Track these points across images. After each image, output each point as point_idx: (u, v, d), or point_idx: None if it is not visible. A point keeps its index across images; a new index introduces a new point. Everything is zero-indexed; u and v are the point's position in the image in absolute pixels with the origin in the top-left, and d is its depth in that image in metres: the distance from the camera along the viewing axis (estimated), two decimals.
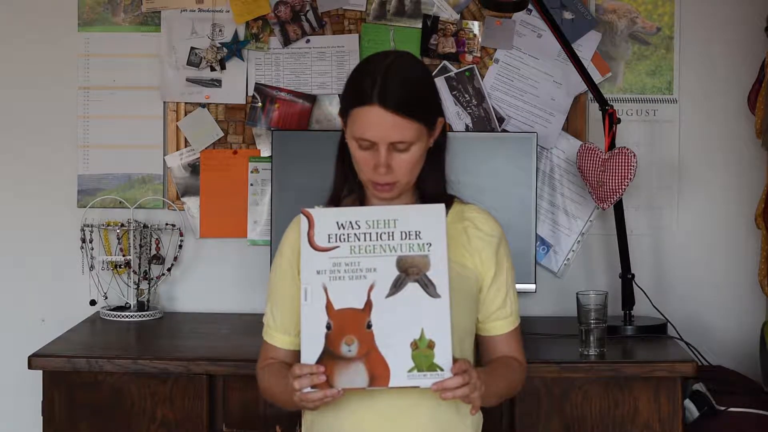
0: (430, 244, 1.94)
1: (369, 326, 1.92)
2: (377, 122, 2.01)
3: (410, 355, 1.90)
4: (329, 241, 1.96)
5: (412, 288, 1.93)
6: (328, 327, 1.93)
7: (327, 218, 1.98)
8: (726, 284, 3.30)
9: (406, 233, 1.95)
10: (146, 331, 3.05)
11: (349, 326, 1.92)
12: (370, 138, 2.02)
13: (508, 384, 2.12)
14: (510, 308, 2.15)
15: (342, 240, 1.96)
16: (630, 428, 2.68)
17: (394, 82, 2.02)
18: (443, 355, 1.90)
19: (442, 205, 1.98)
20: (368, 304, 1.93)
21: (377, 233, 1.96)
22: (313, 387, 1.91)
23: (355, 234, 1.96)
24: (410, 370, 1.90)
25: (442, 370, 1.90)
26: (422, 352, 1.90)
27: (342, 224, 1.97)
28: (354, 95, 2.05)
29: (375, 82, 2.02)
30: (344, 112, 2.08)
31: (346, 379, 1.91)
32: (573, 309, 2.82)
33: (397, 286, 1.93)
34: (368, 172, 2.06)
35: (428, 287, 1.93)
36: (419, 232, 1.95)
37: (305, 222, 1.98)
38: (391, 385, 1.91)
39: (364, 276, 1.94)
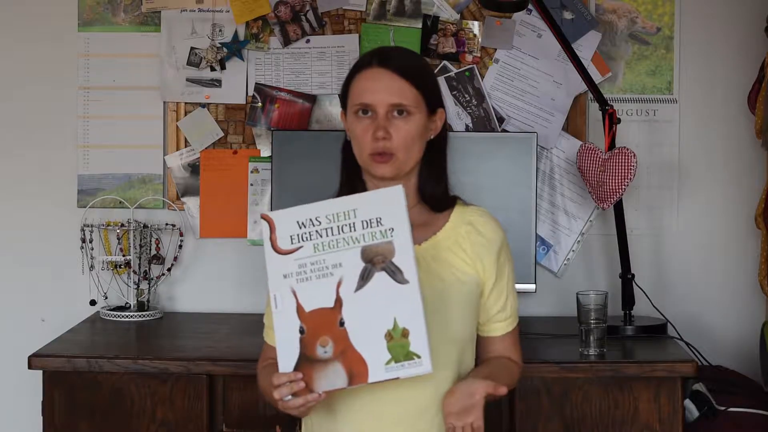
0: (393, 229, 1.92)
1: (342, 324, 1.90)
2: (376, 82, 2.01)
3: (386, 347, 1.89)
4: (292, 243, 1.94)
5: (380, 277, 1.91)
6: (302, 331, 1.91)
7: (287, 219, 1.95)
8: (726, 284, 3.30)
9: (367, 222, 1.92)
10: (146, 331, 3.05)
11: (322, 327, 1.90)
12: (368, 100, 2.02)
13: (506, 385, 2.12)
14: (509, 310, 2.15)
15: (305, 239, 1.94)
16: (630, 428, 2.67)
17: (395, 50, 2.10)
18: (419, 342, 1.88)
19: (400, 187, 1.94)
20: (338, 302, 1.91)
21: (339, 226, 1.93)
22: (294, 394, 1.91)
23: (317, 231, 1.93)
24: (387, 363, 1.88)
25: (419, 357, 1.88)
26: (397, 342, 1.88)
27: (303, 223, 1.94)
28: (354, 69, 2.08)
29: (375, 52, 2.07)
30: (344, 92, 2.08)
31: (326, 381, 1.90)
32: (573, 309, 2.82)
33: (364, 278, 1.91)
34: (367, 143, 2.04)
35: (396, 274, 1.91)
36: (380, 219, 1.92)
37: (266, 227, 1.96)
38: (370, 380, 1.89)
39: (330, 273, 1.92)
